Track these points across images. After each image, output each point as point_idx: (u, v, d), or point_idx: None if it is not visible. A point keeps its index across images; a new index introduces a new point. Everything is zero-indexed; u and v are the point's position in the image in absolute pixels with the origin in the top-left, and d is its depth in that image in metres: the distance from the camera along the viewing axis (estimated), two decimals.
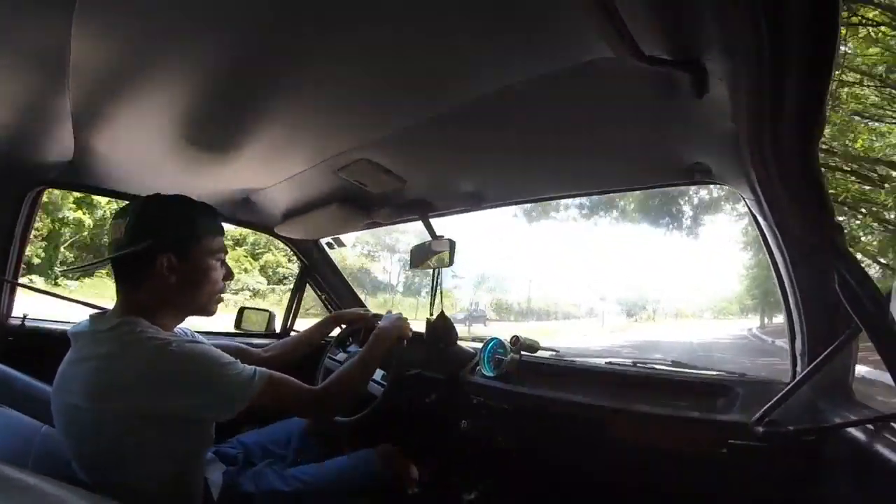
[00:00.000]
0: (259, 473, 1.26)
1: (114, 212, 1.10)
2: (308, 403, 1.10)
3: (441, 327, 1.88)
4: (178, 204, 1.04)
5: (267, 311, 2.35)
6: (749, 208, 1.15)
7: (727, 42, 0.64)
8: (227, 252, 1.10)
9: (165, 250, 0.97)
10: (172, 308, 1.02)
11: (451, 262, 1.80)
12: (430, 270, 1.92)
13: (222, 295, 1.11)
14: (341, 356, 1.76)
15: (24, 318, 1.68)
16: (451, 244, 1.79)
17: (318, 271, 2.43)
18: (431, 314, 1.92)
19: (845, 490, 1.02)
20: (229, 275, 1.11)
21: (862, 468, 0.97)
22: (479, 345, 1.94)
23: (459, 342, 2.07)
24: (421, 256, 1.89)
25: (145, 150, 1.38)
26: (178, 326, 1.11)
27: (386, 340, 1.37)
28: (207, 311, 1.08)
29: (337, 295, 2.46)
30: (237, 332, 2.22)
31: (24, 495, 0.53)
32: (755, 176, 0.89)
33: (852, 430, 1.03)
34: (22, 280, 1.71)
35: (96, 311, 1.05)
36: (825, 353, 1.00)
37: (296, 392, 1.06)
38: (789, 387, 1.15)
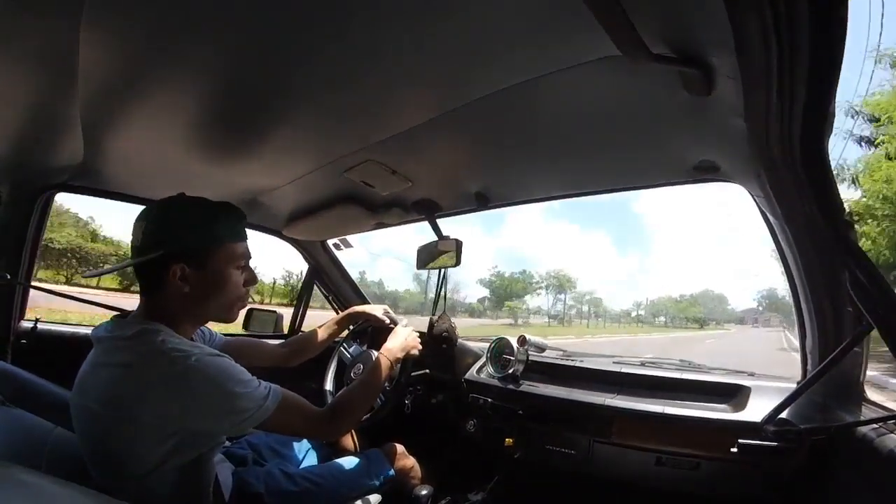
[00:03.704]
0: (268, 473, 1.27)
1: None
2: (315, 426, 1.08)
3: (443, 328, 1.88)
4: (195, 209, 1.00)
5: (274, 312, 2.36)
6: (758, 206, 1.14)
7: (735, 39, 0.64)
8: (250, 257, 1.06)
9: (178, 259, 0.94)
10: (190, 315, 1.01)
11: (457, 263, 1.79)
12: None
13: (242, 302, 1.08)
14: (355, 349, 1.76)
15: (37, 320, 1.70)
16: (458, 244, 1.78)
17: (325, 272, 2.44)
18: (434, 314, 1.92)
19: (856, 489, 1.01)
20: (252, 280, 1.07)
21: (873, 467, 0.96)
22: (486, 345, 1.94)
23: (466, 342, 2.08)
24: (427, 256, 1.89)
25: (154, 152, 1.38)
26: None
27: (390, 364, 1.34)
28: (228, 318, 1.06)
29: (344, 295, 2.48)
30: (245, 333, 2.23)
31: (37, 496, 0.54)
32: (764, 173, 0.88)
33: (863, 429, 1.02)
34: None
35: (117, 312, 1.04)
36: (836, 351, 0.99)
37: (303, 416, 1.05)
38: (799, 386, 1.14)
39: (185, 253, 0.95)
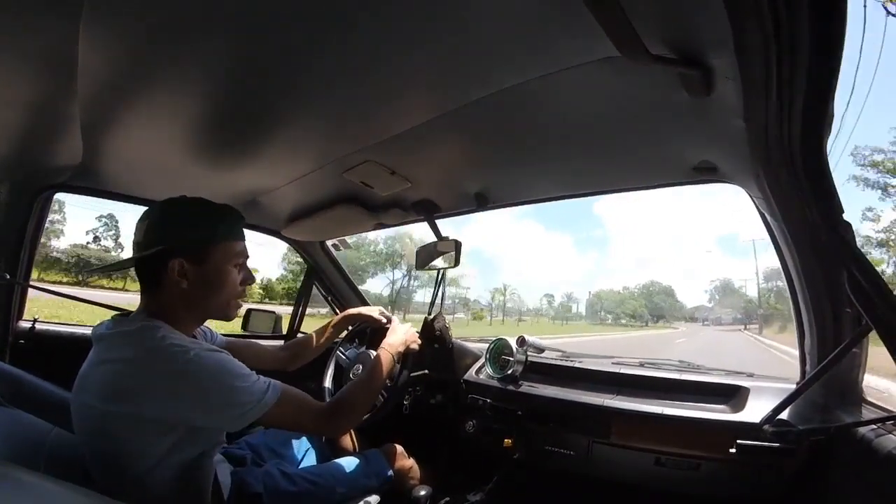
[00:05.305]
0: (267, 473, 1.26)
1: None
2: (316, 422, 1.08)
3: (436, 328, 1.88)
4: (196, 207, 1.02)
5: (273, 312, 2.36)
6: (757, 207, 1.14)
7: (734, 40, 0.64)
8: (248, 256, 1.08)
9: (178, 255, 0.96)
10: (190, 312, 1.02)
11: (457, 263, 1.79)
12: None
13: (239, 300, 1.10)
14: (351, 352, 1.76)
15: (35, 320, 1.70)
16: (457, 245, 1.78)
17: (324, 273, 2.44)
18: (430, 314, 1.92)
19: (855, 489, 1.01)
20: (249, 279, 1.09)
21: (872, 468, 0.96)
22: (485, 345, 1.94)
23: (465, 343, 2.08)
24: (426, 257, 1.89)
25: (153, 153, 1.38)
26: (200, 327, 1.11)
27: (392, 358, 1.36)
28: (226, 316, 1.08)
29: (343, 296, 2.48)
30: (244, 333, 2.23)
31: (36, 496, 0.54)
32: (763, 173, 0.89)
33: (862, 430, 1.02)
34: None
35: (117, 312, 1.05)
36: (834, 352, 0.99)
37: (305, 410, 1.05)
38: (798, 386, 1.14)
39: (184, 249, 0.98)
